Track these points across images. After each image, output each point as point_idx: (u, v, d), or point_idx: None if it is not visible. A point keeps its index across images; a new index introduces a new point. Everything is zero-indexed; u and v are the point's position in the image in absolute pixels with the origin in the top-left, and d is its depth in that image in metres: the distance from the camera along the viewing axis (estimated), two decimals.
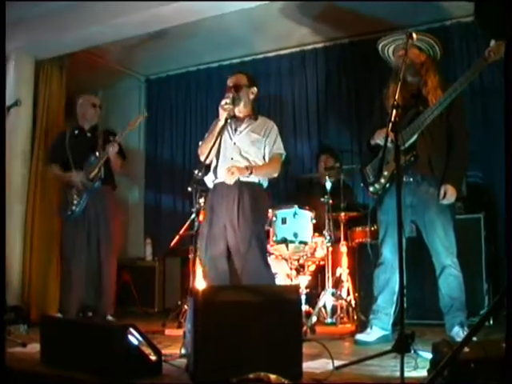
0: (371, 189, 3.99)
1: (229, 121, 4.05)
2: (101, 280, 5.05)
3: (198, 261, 3.97)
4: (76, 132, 5.31)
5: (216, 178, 4.08)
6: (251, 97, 4.22)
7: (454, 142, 3.84)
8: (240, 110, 4.16)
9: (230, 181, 3.97)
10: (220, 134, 3.95)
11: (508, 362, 1.99)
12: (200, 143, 4.21)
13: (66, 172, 5.17)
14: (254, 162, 4.09)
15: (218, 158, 4.09)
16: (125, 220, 7.33)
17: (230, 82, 4.18)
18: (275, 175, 4.23)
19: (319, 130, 6.52)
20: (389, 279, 3.87)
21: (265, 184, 4.17)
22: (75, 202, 5.04)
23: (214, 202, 4.05)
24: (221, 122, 3.98)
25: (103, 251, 5.05)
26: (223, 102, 3.98)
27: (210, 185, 4.16)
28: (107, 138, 5.11)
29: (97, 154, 5.06)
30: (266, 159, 4.18)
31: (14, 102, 4.48)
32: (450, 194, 3.72)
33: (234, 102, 4.02)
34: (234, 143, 4.09)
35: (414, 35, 3.22)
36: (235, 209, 3.93)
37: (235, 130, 4.13)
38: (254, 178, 4.06)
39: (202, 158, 3.96)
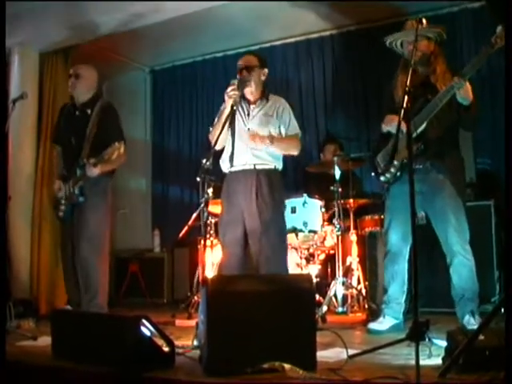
0: (382, 178, 3.95)
1: (239, 106, 4.00)
2: (87, 278, 4.43)
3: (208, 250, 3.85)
4: (70, 110, 4.74)
5: (232, 165, 3.97)
6: (262, 78, 4.08)
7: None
8: (252, 92, 4.03)
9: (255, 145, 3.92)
10: (227, 121, 3.84)
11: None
12: (210, 129, 4.12)
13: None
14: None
15: (233, 146, 3.97)
16: (132, 211, 7.35)
17: (240, 63, 4.04)
18: (295, 153, 4.11)
19: (326, 118, 6.48)
20: (397, 269, 3.87)
21: (280, 168, 4.07)
22: (62, 207, 4.62)
23: (231, 189, 3.98)
24: (227, 110, 3.87)
25: (84, 251, 4.42)
26: (229, 89, 3.84)
27: (226, 171, 4.07)
28: (101, 118, 4.50)
29: (84, 161, 4.40)
30: None
31: (20, 95, 4.41)
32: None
33: (241, 86, 3.90)
34: (249, 129, 3.99)
35: (424, 21, 3.18)
36: (253, 196, 3.87)
37: (248, 114, 4.03)
38: (270, 164, 3.97)
39: (212, 145, 3.85)
